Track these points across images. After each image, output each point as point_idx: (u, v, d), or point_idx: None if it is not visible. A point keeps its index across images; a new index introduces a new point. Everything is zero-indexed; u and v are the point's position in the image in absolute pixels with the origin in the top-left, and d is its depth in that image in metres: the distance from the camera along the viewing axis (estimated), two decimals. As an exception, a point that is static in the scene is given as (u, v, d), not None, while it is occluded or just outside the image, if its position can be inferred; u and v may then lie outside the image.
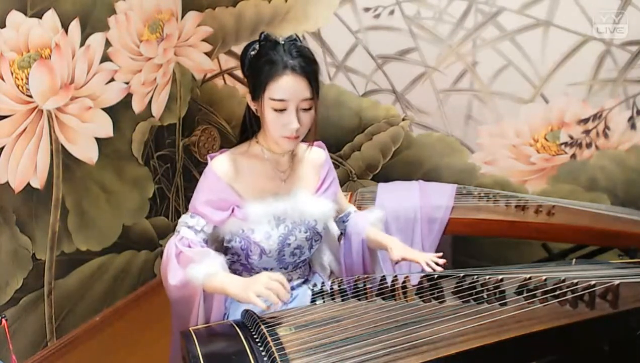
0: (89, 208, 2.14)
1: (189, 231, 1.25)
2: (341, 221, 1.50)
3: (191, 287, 1.19)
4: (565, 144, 2.19)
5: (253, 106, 1.26)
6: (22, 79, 1.79)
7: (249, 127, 1.33)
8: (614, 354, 1.23)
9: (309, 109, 1.21)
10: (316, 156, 1.41)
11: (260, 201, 1.26)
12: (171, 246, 1.24)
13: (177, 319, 1.29)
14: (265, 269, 1.32)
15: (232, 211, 1.25)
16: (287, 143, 1.23)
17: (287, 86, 1.16)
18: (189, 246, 1.22)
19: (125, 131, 2.31)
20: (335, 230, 1.55)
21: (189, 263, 1.19)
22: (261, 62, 1.19)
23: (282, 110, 1.18)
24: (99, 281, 2.25)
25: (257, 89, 1.20)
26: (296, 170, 1.36)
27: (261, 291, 1.06)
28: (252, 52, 1.22)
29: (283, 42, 1.20)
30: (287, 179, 1.33)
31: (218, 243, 1.33)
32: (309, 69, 1.19)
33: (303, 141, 1.29)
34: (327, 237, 1.48)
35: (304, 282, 1.40)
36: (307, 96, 1.19)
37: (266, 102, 1.19)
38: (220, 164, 1.27)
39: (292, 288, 1.36)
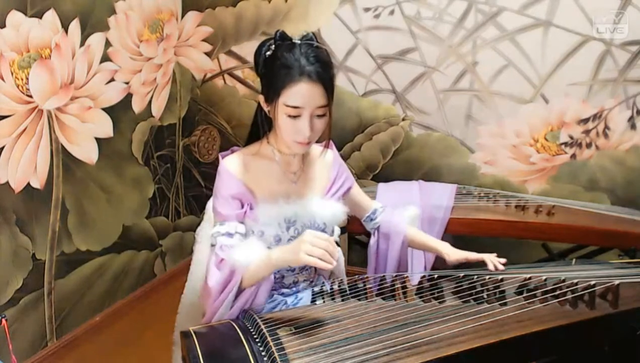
0: (89, 208, 2.14)
1: (224, 238, 1.21)
2: (369, 219, 1.49)
3: (233, 279, 1.15)
4: (565, 144, 2.19)
5: (266, 108, 1.23)
6: (22, 79, 1.79)
7: (260, 128, 1.30)
8: (614, 354, 1.23)
9: (323, 115, 1.19)
10: (326, 155, 1.39)
11: (271, 203, 1.25)
12: (211, 258, 1.21)
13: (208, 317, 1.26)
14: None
15: (246, 209, 1.24)
16: (299, 148, 1.22)
17: (302, 94, 1.14)
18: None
19: (125, 131, 2.31)
20: (335, 230, 1.54)
21: (232, 252, 1.17)
22: (277, 66, 1.16)
23: (296, 116, 1.16)
24: (99, 281, 2.25)
25: (271, 93, 1.18)
26: (307, 172, 1.34)
27: (311, 250, 1.04)
28: (268, 53, 1.19)
29: (300, 44, 1.17)
30: (298, 181, 1.31)
31: None
32: (325, 76, 1.16)
33: (316, 143, 1.28)
34: None
35: (309, 285, 1.39)
36: (322, 103, 1.16)
37: (280, 107, 1.16)
38: (232, 163, 1.26)
39: (298, 292, 1.35)
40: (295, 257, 1.06)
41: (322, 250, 1.04)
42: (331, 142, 1.42)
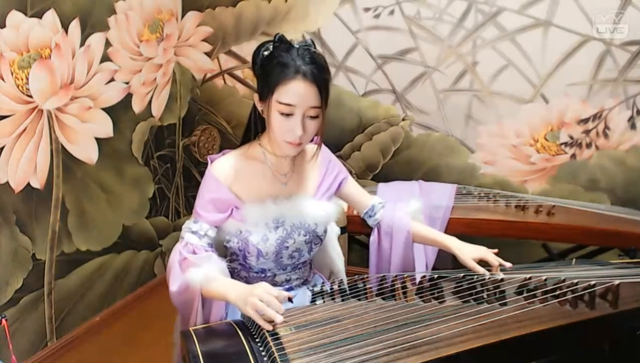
0: (89, 208, 2.14)
1: (193, 236, 1.24)
2: (368, 215, 1.47)
3: (190, 292, 1.19)
4: (565, 144, 2.19)
5: (259, 107, 1.24)
6: (22, 79, 1.79)
7: (253, 128, 1.31)
8: (614, 354, 1.23)
9: (316, 117, 1.19)
10: (315, 155, 1.39)
11: (259, 204, 1.26)
12: (175, 253, 1.24)
13: (181, 323, 1.29)
14: (263, 270, 1.31)
15: (231, 212, 1.25)
16: (290, 149, 1.22)
17: (296, 91, 1.15)
18: (194, 252, 1.22)
19: (125, 131, 2.31)
20: (335, 229, 1.54)
21: (190, 267, 1.19)
22: (273, 64, 1.17)
23: (288, 115, 1.16)
24: (99, 281, 2.25)
25: (265, 90, 1.19)
26: (297, 174, 1.34)
27: (257, 304, 1.05)
28: (265, 52, 1.21)
29: (297, 46, 1.19)
30: (288, 183, 1.32)
31: (222, 246, 1.33)
32: (320, 77, 1.16)
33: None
34: (326, 237, 1.47)
35: (304, 283, 1.40)
36: (315, 104, 1.17)
37: (273, 105, 1.17)
38: (219, 167, 1.27)
39: (291, 289, 1.35)
40: (243, 307, 1.09)
41: (268, 310, 1.04)
42: (318, 138, 1.41)
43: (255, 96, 1.24)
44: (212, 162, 1.29)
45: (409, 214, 1.45)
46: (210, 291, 1.17)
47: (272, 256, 1.27)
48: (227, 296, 1.14)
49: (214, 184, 1.25)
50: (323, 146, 1.40)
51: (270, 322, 1.04)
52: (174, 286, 1.20)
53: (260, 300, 1.05)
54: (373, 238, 1.46)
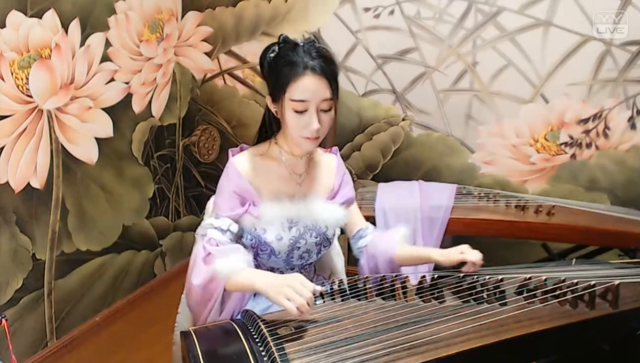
0: (89, 208, 2.14)
1: (216, 231, 1.24)
2: (359, 237, 1.42)
3: (214, 283, 1.18)
4: (565, 144, 2.19)
5: (273, 108, 1.26)
6: (22, 79, 1.79)
7: (268, 129, 1.33)
8: (614, 354, 1.23)
9: (329, 109, 1.21)
10: (330, 161, 1.41)
11: (276, 202, 1.27)
12: (199, 249, 1.23)
13: (192, 318, 1.28)
14: (272, 268, 1.32)
15: (248, 207, 1.25)
16: (308, 144, 1.23)
17: (307, 87, 1.16)
18: (217, 246, 1.22)
19: (125, 131, 2.31)
20: (336, 233, 1.54)
21: (215, 259, 1.19)
22: (281, 64, 1.19)
23: (302, 111, 1.18)
24: (99, 281, 2.25)
25: (277, 91, 1.20)
26: (311, 174, 1.35)
27: (292, 295, 1.04)
28: (272, 55, 1.22)
29: (302, 44, 1.20)
30: (303, 183, 1.33)
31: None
32: (328, 70, 1.19)
33: (321, 143, 1.28)
34: None
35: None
36: (327, 96, 1.19)
37: (287, 104, 1.19)
38: (241, 161, 1.28)
39: None
40: (275, 297, 1.07)
41: (302, 299, 1.03)
42: (337, 149, 1.43)
43: (268, 99, 1.26)
44: (232, 156, 1.30)
45: (394, 239, 1.37)
46: (237, 281, 1.16)
47: (284, 255, 1.29)
48: (255, 284, 1.13)
49: (237, 177, 1.26)
50: (338, 155, 1.42)
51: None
52: (198, 279, 1.19)
53: (295, 292, 1.04)
54: (363, 261, 1.40)
